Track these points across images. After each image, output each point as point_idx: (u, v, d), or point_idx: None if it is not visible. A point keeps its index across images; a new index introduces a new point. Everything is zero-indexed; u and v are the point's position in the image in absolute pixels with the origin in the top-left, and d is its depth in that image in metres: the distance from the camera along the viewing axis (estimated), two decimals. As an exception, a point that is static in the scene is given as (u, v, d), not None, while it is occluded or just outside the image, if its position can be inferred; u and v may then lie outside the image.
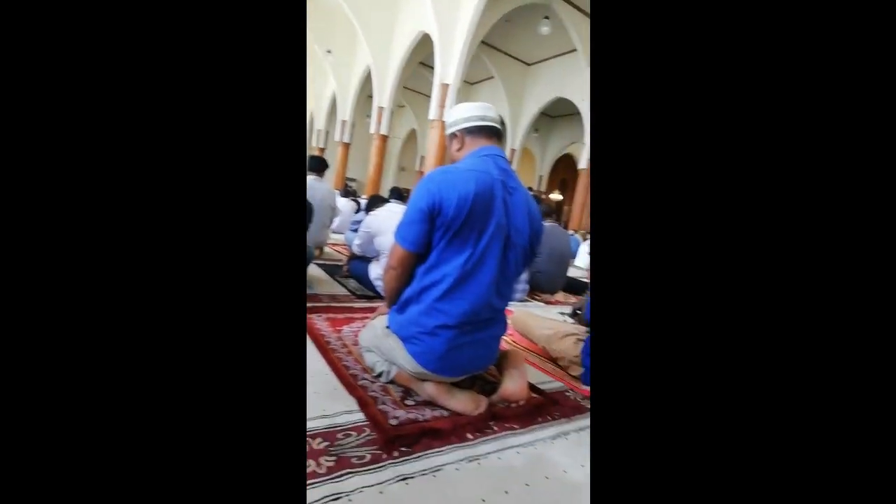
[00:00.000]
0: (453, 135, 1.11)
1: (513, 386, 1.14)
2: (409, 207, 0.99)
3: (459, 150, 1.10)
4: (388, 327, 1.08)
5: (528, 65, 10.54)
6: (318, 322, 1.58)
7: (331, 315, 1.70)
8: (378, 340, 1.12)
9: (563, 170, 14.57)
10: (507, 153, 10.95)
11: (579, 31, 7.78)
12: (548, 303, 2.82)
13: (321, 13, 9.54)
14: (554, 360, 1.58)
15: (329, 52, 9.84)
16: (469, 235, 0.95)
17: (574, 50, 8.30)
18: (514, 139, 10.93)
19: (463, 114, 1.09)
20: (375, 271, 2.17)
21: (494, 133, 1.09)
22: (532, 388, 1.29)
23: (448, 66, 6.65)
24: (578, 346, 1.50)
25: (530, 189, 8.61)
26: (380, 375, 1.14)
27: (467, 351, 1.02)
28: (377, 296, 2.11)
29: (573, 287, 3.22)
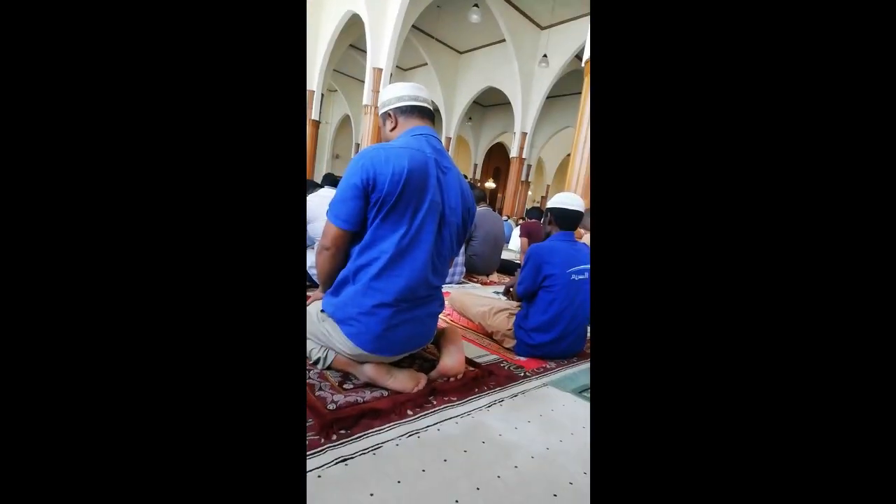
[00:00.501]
0: (386, 114, 1.10)
1: (450, 361, 1.18)
2: (341, 184, 0.97)
3: (393, 129, 1.09)
4: (322, 311, 1.05)
5: (460, 53, 10.62)
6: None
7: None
8: (313, 327, 1.08)
9: (497, 158, 15.03)
10: (443, 141, 10.99)
11: (507, 21, 8.00)
12: (484, 283, 2.93)
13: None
14: (490, 336, 1.65)
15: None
16: (404, 212, 0.96)
17: (503, 40, 8.52)
18: (450, 127, 11.01)
19: (396, 93, 1.08)
20: (311, 259, 2.08)
21: (427, 114, 1.10)
22: (469, 361, 1.34)
23: (380, 50, 6.46)
24: (511, 320, 1.58)
25: (466, 177, 8.77)
26: (317, 362, 1.11)
27: (405, 329, 1.03)
28: (313, 284, 2.03)
29: (506, 268, 3.37)
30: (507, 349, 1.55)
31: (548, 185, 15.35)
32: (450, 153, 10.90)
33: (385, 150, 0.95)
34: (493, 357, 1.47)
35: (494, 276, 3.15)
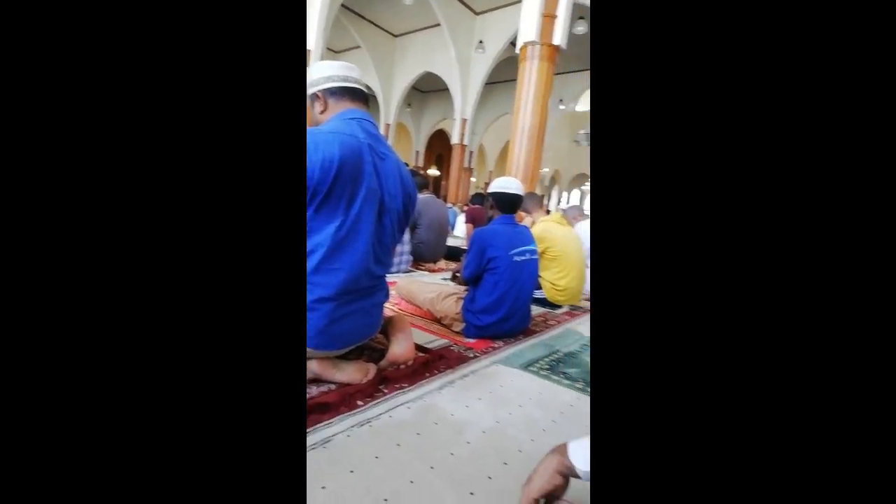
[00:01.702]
0: (315, 95, 1.04)
1: (399, 349, 1.17)
2: None
3: (323, 112, 1.03)
4: (258, 309, 0.99)
5: (395, 36, 10.34)
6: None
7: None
8: (249, 325, 1.02)
9: (438, 145, 15.02)
10: (382, 128, 10.74)
11: (441, 4, 7.91)
12: (431, 271, 2.94)
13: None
14: (438, 321, 1.67)
15: None
16: (338, 202, 0.92)
17: (439, 24, 8.43)
18: (388, 114, 10.76)
19: (324, 73, 1.02)
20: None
21: (359, 95, 1.05)
22: (419, 347, 1.35)
23: (307, 31, 6.08)
24: (459, 304, 1.61)
25: (408, 165, 8.67)
26: (256, 363, 1.04)
27: (349, 321, 1.01)
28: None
29: (453, 254, 3.41)
30: (457, 332, 1.58)
31: (490, 171, 15.67)
32: (389, 141, 10.72)
33: (313, 137, 0.90)
34: (443, 341, 1.49)
35: (442, 263, 3.17)
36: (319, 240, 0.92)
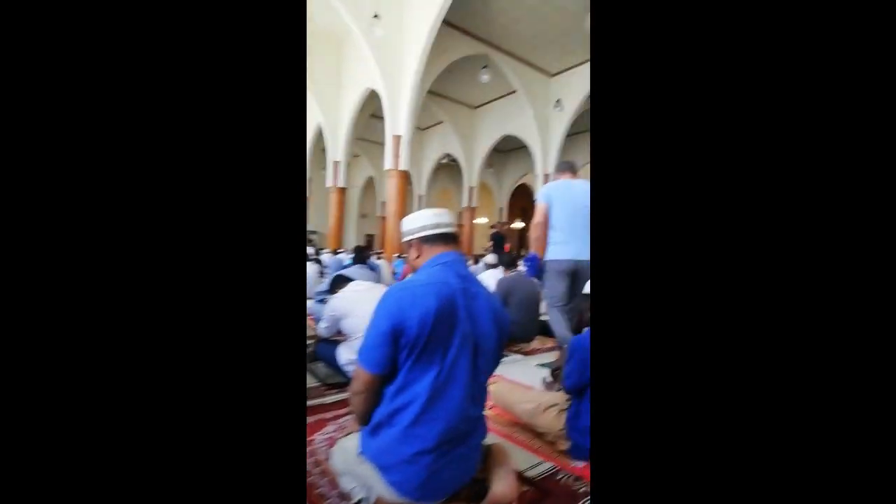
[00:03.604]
0: (409, 244, 1.11)
1: (501, 488, 1.08)
2: (370, 329, 0.96)
3: (417, 258, 1.09)
4: (361, 453, 1.01)
5: (475, 108, 11.10)
6: (287, 434, 1.46)
7: (301, 420, 1.58)
8: (351, 466, 1.04)
9: (522, 198, 15.11)
10: (465, 190, 11.25)
11: (517, 74, 8.35)
12: (526, 353, 2.80)
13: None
14: (539, 435, 1.53)
15: (278, 112, 9.91)
16: (435, 352, 0.92)
17: (514, 91, 8.85)
18: (471, 177, 11.28)
19: (418, 223, 1.09)
20: (345, 355, 2.08)
21: (450, 238, 1.09)
22: (521, 478, 1.23)
23: (397, 119, 6.85)
24: (561, 417, 1.47)
25: (493, 228, 8.79)
26: (359, 502, 1.05)
27: (449, 470, 0.96)
28: (348, 381, 2.01)
29: (547, 330, 3.22)
30: (562, 452, 1.42)
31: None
32: (473, 201, 11.10)
33: (410, 291, 0.94)
34: (546, 466, 1.35)
35: (536, 343, 3.01)
36: (417, 391, 0.92)
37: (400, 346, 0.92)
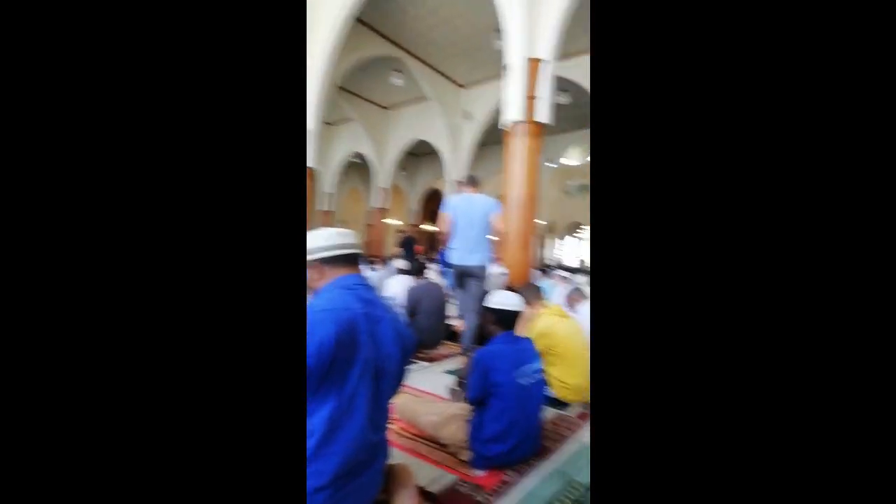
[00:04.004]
0: (311, 264, 1.04)
1: (404, 512, 1.08)
2: None
3: (318, 280, 1.03)
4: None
5: (386, 108, 10.97)
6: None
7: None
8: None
9: (434, 202, 15.40)
10: (378, 192, 11.06)
11: (430, 82, 8.48)
12: (432, 360, 2.85)
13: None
14: (443, 446, 1.57)
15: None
16: (334, 382, 0.88)
17: (426, 98, 8.99)
18: (382, 178, 11.12)
19: (319, 243, 1.03)
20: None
21: (353, 260, 1.05)
22: (424, 494, 1.25)
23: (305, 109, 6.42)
24: (464, 428, 1.52)
25: (400, 231, 8.79)
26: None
27: (348, 502, 0.93)
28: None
29: (455, 336, 3.33)
30: (463, 461, 1.48)
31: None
32: (385, 203, 10.95)
33: (308, 318, 0.88)
34: (449, 478, 1.39)
35: (443, 349, 3.09)
36: (314, 423, 0.87)
37: None
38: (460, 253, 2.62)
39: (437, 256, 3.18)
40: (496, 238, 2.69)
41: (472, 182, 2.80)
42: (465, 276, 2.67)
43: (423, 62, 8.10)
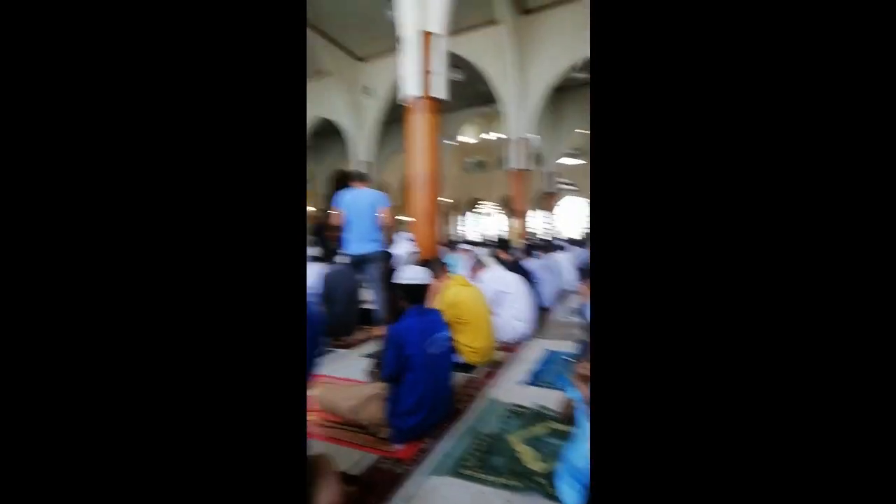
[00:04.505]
0: None
1: (324, 499, 1.07)
2: None
3: None
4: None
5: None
6: None
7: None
8: None
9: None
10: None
11: (330, 55, 7.94)
12: (350, 345, 2.81)
13: None
14: (364, 428, 1.58)
15: None
16: None
17: (328, 73, 8.41)
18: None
19: None
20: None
21: None
22: (346, 479, 1.25)
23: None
24: (382, 406, 1.55)
25: (312, 219, 8.32)
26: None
27: None
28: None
29: (368, 319, 3.29)
30: (383, 439, 1.51)
31: (395, 206, 15.82)
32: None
33: None
34: (371, 458, 1.41)
35: (359, 334, 3.05)
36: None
37: None
38: (355, 244, 2.94)
39: (323, 241, 3.59)
40: (384, 227, 3.05)
41: (361, 178, 3.17)
42: (362, 264, 2.97)
43: (322, 33, 7.53)
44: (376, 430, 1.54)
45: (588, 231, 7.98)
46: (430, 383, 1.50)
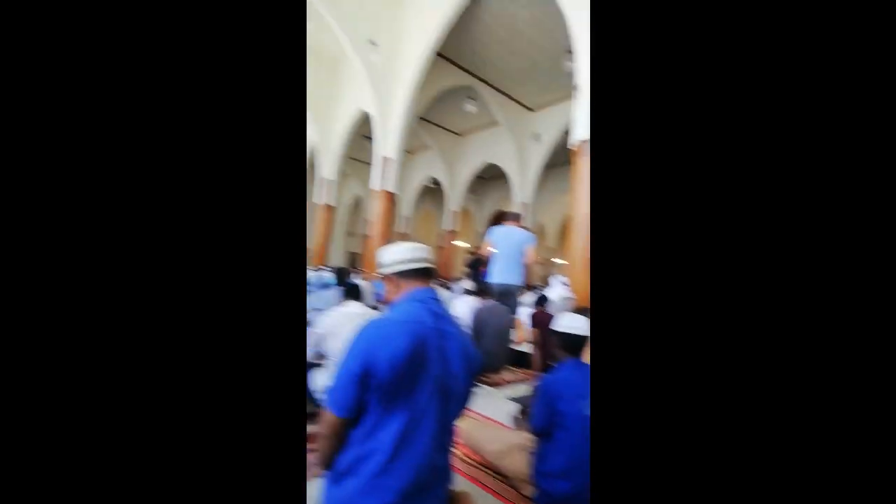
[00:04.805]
0: (387, 276, 1.11)
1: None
2: (340, 368, 0.95)
3: (393, 292, 1.10)
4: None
5: (459, 135, 11.39)
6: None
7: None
8: (312, 512, 1.00)
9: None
10: (448, 215, 11.38)
11: (501, 106, 8.68)
12: (496, 384, 2.80)
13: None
14: (506, 477, 1.53)
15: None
16: (404, 396, 0.92)
17: (497, 123, 9.17)
18: (453, 201, 11.45)
19: (395, 257, 1.10)
20: (319, 381, 2.03)
21: (427, 273, 1.10)
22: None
23: (387, 141, 6.94)
24: (528, 460, 1.47)
25: (470, 253, 8.92)
26: (316, 551, 1.01)
27: (411, 523, 0.95)
28: (319, 408, 1.95)
29: (518, 360, 3.25)
30: (525, 497, 1.42)
31: (550, 247, 15.46)
32: (454, 225, 11.20)
33: (383, 330, 0.94)
34: (511, 512, 1.34)
35: (507, 374, 3.02)
36: (383, 438, 0.91)
37: (369, 389, 0.91)
38: (497, 275, 3.28)
39: (477, 276, 3.99)
40: (528, 265, 3.32)
41: (514, 217, 3.53)
42: (501, 294, 3.25)
43: (495, 88, 8.34)
44: (519, 484, 1.46)
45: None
46: (586, 448, 1.35)
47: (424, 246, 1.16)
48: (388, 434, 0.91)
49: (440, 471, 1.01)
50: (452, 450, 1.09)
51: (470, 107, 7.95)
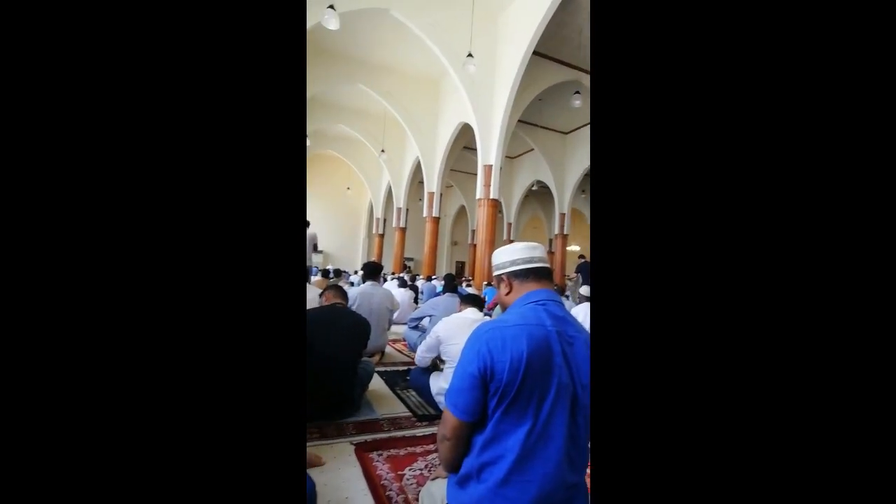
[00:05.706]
0: (500, 278, 1.07)
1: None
2: (458, 370, 0.93)
3: (508, 294, 1.04)
4: None
5: (565, 133, 10.84)
6: (378, 464, 1.49)
7: (392, 451, 1.61)
8: (440, 512, 1.00)
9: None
10: (557, 218, 10.87)
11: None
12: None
13: (374, 119, 10.87)
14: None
15: (383, 151, 10.93)
16: (528, 403, 0.86)
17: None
18: (563, 203, 10.89)
19: (508, 257, 1.05)
20: (437, 384, 2.09)
21: (544, 273, 1.03)
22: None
23: (489, 149, 7.02)
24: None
25: (581, 257, 8.32)
26: (445, 554, 1.00)
27: (541, 541, 0.86)
28: (439, 414, 2.00)
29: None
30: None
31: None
32: (566, 228, 10.65)
33: (500, 332, 0.89)
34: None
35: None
36: (507, 446, 0.86)
37: (490, 392, 0.87)
38: None
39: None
40: None
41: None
42: None
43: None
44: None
45: None
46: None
47: (539, 245, 1.09)
48: (512, 442, 0.86)
49: (574, 490, 0.91)
50: (588, 470, 0.97)
51: (577, 102, 7.51)
